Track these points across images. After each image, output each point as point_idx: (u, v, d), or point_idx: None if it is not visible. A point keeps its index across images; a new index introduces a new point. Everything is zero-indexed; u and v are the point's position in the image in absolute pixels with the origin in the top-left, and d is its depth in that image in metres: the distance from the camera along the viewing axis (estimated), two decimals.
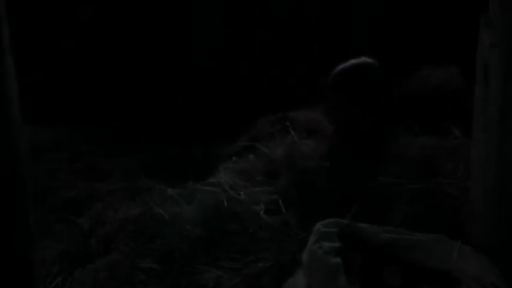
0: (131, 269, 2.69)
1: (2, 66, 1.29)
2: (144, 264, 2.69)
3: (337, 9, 4.28)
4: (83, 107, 4.68)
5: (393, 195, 2.50)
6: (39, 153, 3.97)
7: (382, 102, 3.07)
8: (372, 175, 2.68)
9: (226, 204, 2.78)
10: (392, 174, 2.66)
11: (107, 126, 4.51)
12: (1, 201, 1.26)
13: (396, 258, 1.93)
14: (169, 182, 3.33)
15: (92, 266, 2.79)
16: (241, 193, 2.86)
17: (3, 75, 1.29)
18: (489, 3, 1.97)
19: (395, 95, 3.20)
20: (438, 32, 3.93)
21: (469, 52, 2.13)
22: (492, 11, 1.96)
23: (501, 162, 1.93)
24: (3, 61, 1.30)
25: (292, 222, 2.65)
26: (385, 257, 1.94)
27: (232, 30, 4.51)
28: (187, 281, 2.53)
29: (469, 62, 2.10)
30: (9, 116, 1.28)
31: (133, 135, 4.37)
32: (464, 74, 3.45)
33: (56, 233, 3.16)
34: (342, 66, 3.14)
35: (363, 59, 3.10)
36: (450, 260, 1.88)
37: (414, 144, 2.88)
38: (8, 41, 1.35)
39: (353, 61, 3.12)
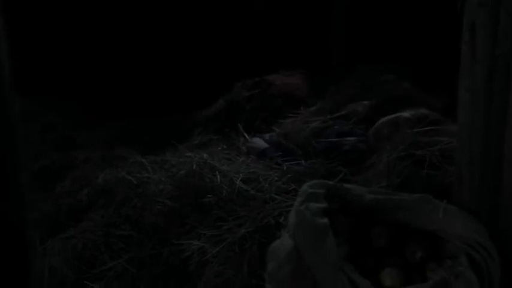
0: (108, 236, 2.64)
1: None
2: (122, 232, 2.64)
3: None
4: (57, 79, 4.57)
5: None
6: None
7: None
8: None
9: (198, 172, 2.73)
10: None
11: (82, 98, 4.43)
12: None
13: (382, 218, 1.92)
14: (146, 151, 3.29)
15: (66, 234, 2.74)
16: (215, 161, 2.81)
17: None
18: None
19: None
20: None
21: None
22: None
23: (487, 123, 1.92)
24: None
25: (266, 188, 2.62)
26: (371, 217, 1.93)
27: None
28: (169, 250, 2.49)
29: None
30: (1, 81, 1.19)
31: (111, 106, 4.30)
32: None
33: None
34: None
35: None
36: (436, 220, 1.87)
37: None
38: None
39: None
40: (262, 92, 3.60)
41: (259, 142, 3.12)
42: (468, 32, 1.94)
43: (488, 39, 1.88)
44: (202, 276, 2.30)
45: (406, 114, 3.02)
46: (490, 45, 1.88)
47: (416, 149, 2.45)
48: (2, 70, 1.16)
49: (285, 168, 2.79)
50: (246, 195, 2.56)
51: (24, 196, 1.14)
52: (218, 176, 2.67)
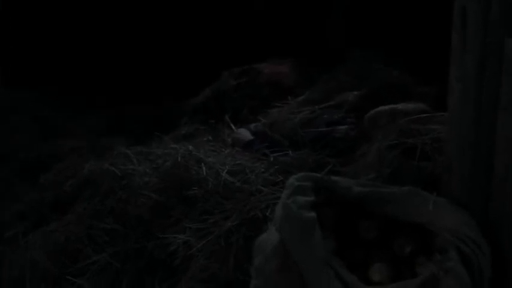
0: (92, 229, 2.60)
1: None
2: (105, 225, 2.60)
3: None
4: (45, 68, 4.52)
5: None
6: None
7: None
8: None
9: (184, 164, 2.67)
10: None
11: (71, 87, 4.38)
12: None
13: (371, 211, 1.88)
14: (134, 140, 3.25)
15: (50, 227, 2.70)
16: (200, 153, 2.76)
17: None
18: None
19: None
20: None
21: None
22: None
23: (478, 112, 1.88)
24: None
25: (253, 180, 2.57)
26: (359, 210, 1.89)
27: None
28: (154, 244, 2.45)
29: None
30: None
31: (100, 94, 4.25)
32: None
33: (14, 194, 3.08)
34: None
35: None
36: (425, 213, 1.83)
37: None
38: None
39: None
40: (249, 81, 3.55)
41: (244, 133, 3.06)
42: (459, 20, 1.89)
43: (479, 27, 1.83)
44: (187, 270, 2.26)
45: (404, 106, 2.97)
46: (481, 32, 1.84)
47: (407, 137, 2.40)
48: None
49: (271, 159, 2.74)
50: (232, 188, 2.51)
51: None
52: (204, 168, 2.62)
